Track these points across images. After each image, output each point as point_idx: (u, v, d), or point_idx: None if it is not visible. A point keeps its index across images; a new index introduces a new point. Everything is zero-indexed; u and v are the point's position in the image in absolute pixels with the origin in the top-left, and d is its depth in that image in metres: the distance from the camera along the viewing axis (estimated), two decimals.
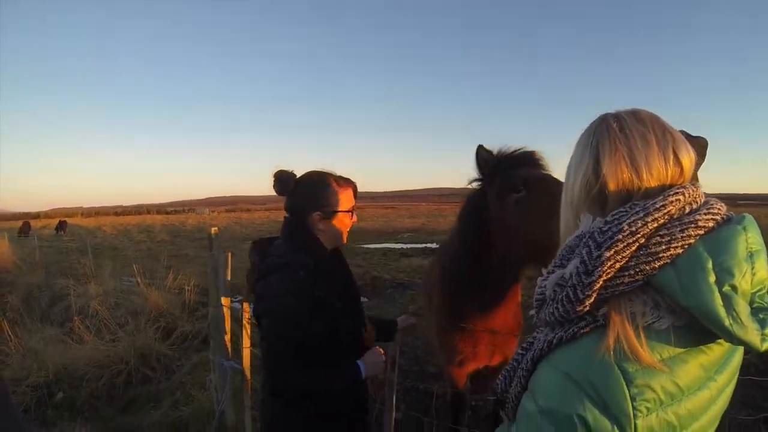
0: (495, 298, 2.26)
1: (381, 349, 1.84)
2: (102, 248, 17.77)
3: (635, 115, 0.85)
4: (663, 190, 0.79)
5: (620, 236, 0.74)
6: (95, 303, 6.37)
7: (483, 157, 2.08)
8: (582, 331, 0.78)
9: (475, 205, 2.17)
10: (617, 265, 0.75)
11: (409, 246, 18.19)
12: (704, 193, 0.83)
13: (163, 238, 23.70)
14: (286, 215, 1.75)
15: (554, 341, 0.81)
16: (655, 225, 0.75)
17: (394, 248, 17.42)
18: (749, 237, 0.74)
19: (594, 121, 0.89)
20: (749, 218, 0.78)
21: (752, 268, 0.72)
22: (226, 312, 3.36)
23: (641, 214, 0.75)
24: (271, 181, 1.70)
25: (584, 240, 0.79)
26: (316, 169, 1.76)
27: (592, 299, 0.76)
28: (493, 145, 2.10)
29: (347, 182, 1.76)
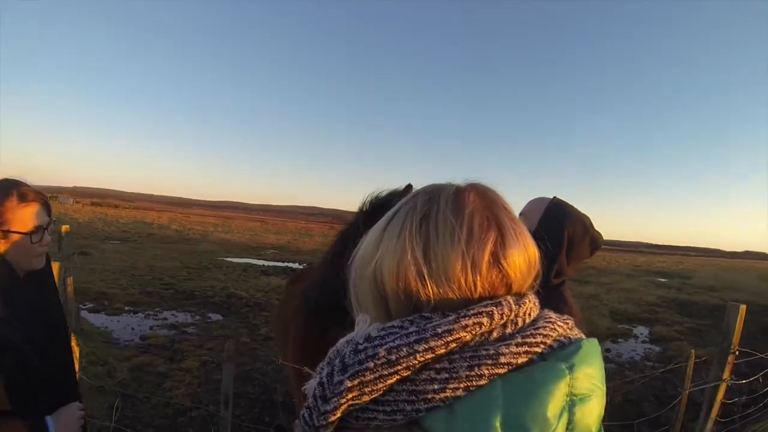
0: None
1: (79, 403, 1.51)
2: None
3: (456, 197, 0.61)
4: (467, 303, 0.57)
5: (371, 364, 0.53)
6: None
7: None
8: None
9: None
10: (365, 398, 0.55)
11: (270, 264, 17.96)
12: (541, 307, 0.63)
13: None
14: None
15: None
16: (431, 356, 0.53)
17: (256, 264, 17.11)
18: (576, 379, 0.54)
19: (405, 198, 0.66)
20: (587, 349, 0.57)
21: (571, 420, 0.53)
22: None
23: (412, 339, 0.54)
24: None
25: (340, 353, 0.58)
26: (8, 177, 1.41)
27: (329, 429, 0.57)
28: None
29: (32, 198, 1.40)
